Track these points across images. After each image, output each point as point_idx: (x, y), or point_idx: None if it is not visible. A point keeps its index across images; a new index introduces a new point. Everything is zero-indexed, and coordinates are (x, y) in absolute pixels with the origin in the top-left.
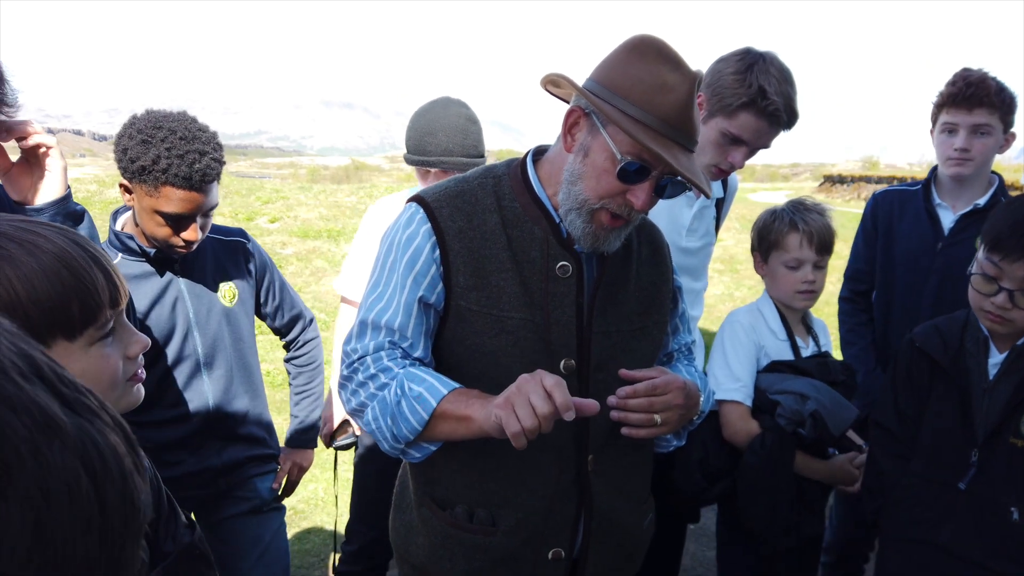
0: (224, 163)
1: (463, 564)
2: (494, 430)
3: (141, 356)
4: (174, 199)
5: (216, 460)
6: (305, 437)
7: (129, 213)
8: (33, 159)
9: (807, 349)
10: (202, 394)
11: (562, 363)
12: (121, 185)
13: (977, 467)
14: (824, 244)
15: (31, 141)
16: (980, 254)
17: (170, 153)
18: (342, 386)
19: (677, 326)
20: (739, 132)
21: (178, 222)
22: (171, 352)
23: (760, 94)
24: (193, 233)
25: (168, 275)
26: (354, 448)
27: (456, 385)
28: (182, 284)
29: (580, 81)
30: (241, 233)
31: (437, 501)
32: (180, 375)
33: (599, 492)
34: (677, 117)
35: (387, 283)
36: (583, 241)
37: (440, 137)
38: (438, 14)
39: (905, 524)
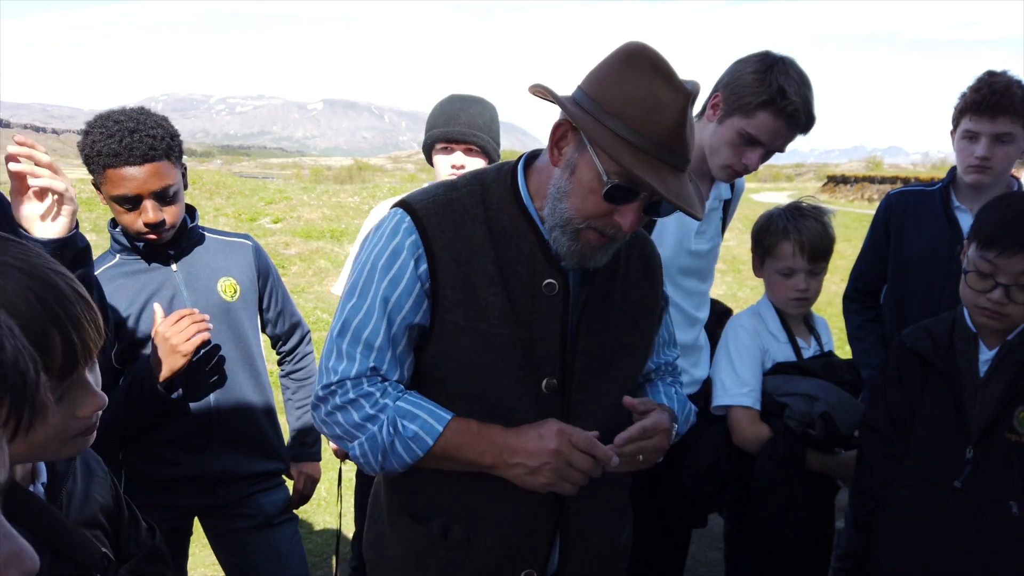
0: (165, 141)
1: None
2: (519, 483)
3: (98, 412)
4: (117, 180)
5: (216, 465)
6: (312, 450)
7: None
8: (42, 195)
9: (808, 349)
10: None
11: (544, 382)
12: (94, 185)
13: (972, 464)
14: (817, 253)
15: (36, 183)
16: (972, 252)
17: (103, 135)
18: (315, 406)
19: (664, 339)
20: (756, 132)
21: (133, 205)
22: None
23: (780, 93)
24: (153, 215)
25: (166, 270)
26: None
27: (449, 416)
28: (179, 279)
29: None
30: (245, 236)
31: (413, 514)
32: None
33: (578, 507)
34: (669, 138)
35: (366, 294)
36: (569, 259)
37: (473, 112)
38: (442, 14)
39: (901, 525)
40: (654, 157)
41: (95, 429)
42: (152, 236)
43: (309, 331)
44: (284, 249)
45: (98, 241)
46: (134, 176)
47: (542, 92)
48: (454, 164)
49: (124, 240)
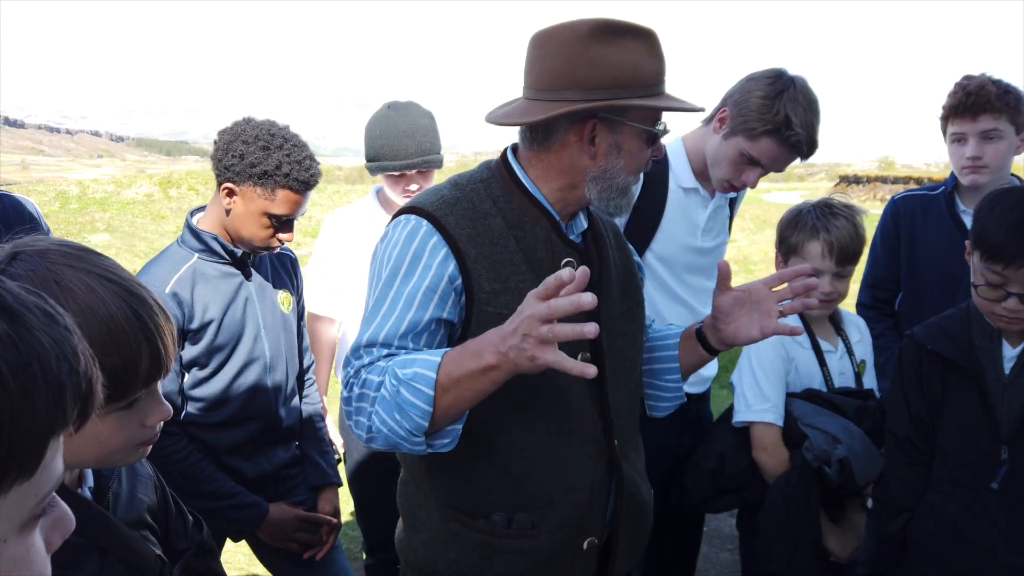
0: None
1: (505, 570)
2: (518, 368)
3: (162, 423)
4: (287, 202)
5: (268, 465)
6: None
7: (203, 213)
8: None
9: (835, 352)
10: (267, 396)
11: (579, 356)
12: (225, 188)
13: (1009, 464)
14: (847, 255)
15: None
16: (977, 262)
17: (290, 159)
18: (348, 414)
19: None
20: (758, 155)
21: (283, 224)
22: (242, 353)
23: (785, 123)
24: (291, 234)
25: (241, 278)
26: (341, 462)
27: (444, 350)
28: (251, 287)
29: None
30: (287, 249)
31: (467, 512)
32: (249, 377)
33: (627, 475)
34: (662, 70)
35: (385, 301)
36: (619, 210)
37: (419, 138)
38: (452, 14)
39: (936, 532)
40: (661, 93)
41: (156, 439)
42: (273, 250)
43: (314, 361)
44: (296, 249)
45: (111, 241)
46: (300, 202)
47: (547, 110)
48: (408, 189)
49: (215, 244)
